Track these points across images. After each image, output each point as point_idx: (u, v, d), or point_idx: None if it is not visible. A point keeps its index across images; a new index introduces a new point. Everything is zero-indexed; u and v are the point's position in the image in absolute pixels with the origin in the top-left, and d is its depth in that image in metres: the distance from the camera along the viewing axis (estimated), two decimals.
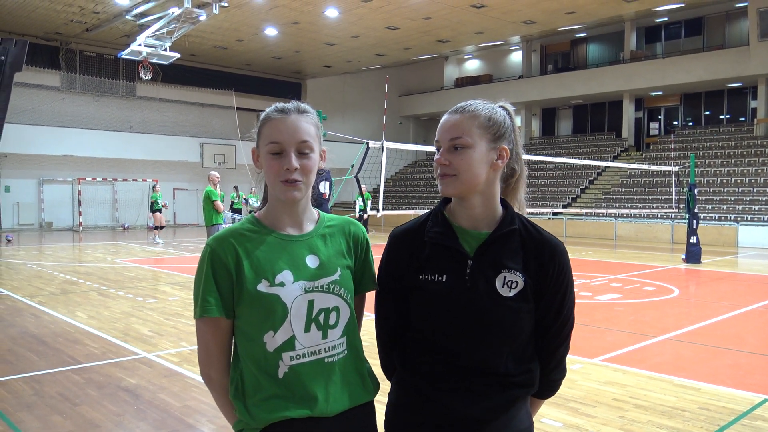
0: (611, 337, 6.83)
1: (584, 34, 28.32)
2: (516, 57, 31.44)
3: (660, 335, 6.91)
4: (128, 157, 25.27)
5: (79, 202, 24.62)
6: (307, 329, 1.63)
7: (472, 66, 33.57)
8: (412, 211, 18.37)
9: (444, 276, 1.62)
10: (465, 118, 1.64)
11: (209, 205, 10.89)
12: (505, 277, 1.60)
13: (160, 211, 19.05)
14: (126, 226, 25.75)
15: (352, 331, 1.73)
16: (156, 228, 19.15)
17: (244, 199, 22.53)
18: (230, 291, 1.62)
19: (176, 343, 6.39)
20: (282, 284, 1.62)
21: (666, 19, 26.08)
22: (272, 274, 1.62)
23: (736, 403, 4.64)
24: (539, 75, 29.61)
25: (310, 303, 1.63)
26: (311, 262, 1.68)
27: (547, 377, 1.73)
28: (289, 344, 1.61)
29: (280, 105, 1.70)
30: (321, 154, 1.71)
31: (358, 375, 1.71)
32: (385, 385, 1.78)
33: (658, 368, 5.57)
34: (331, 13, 20.68)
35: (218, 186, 11.36)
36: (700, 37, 25.77)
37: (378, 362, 1.85)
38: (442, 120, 1.68)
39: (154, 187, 19.99)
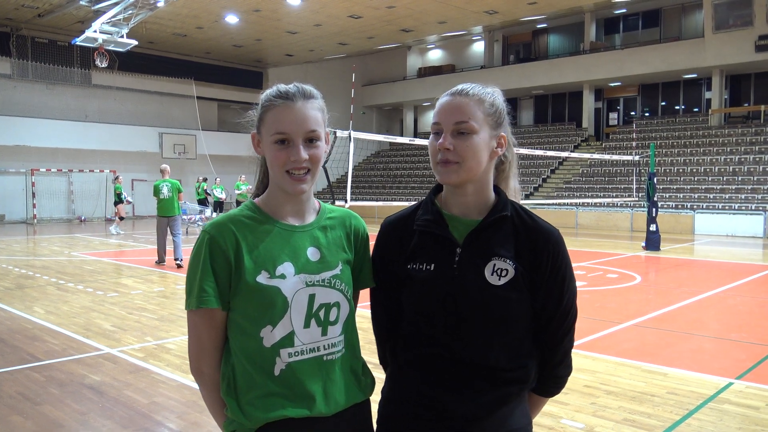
0: (578, 324, 6.82)
1: (545, 25, 28.61)
2: (478, 47, 31.59)
3: (625, 321, 7.03)
4: (84, 147, 24.55)
5: (33, 194, 23.80)
6: (307, 325, 1.55)
7: (435, 56, 33.61)
8: (377, 203, 18.32)
9: (432, 265, 1.57)
10: (471, 102, 1.56)
11: (176, 195, 11.49)
12: (495, 264, 1.54)
13: (122, 202, 18.71)
14: (83, 218, 25.05)
15: (351, 328, 1.66)
16: (119, 219, 19.12)
17: (205, 190, 22.18)
18: (228, 281, 1.53)
19: (140, 338, 6.21)
20: (283, 276, 1.53)
21: (624, 10, 26.52)
22: (273, 265, 1.54)
23: (704, 387, 4.74)
24: (501, 65, 29.82)
25: (311, 297, 1.55)
26: (312, 254, 1.60)
27: (552, 373, 1.67)
28: (288, 340, 1.53)
29: (283, 88, 1.58)
30: (326, 137, 1.62)
31: (354, 373, 1.65)
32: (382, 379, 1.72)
33: (625, 354, 5.66)
34: (294, 0, 20.40)
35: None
36: (657, 29, 26.28)
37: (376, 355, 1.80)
38: (442, 101, 1.59)
39: (116, 178, 19.54)
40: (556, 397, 4.40)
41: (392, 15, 22.53)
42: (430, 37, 28.72)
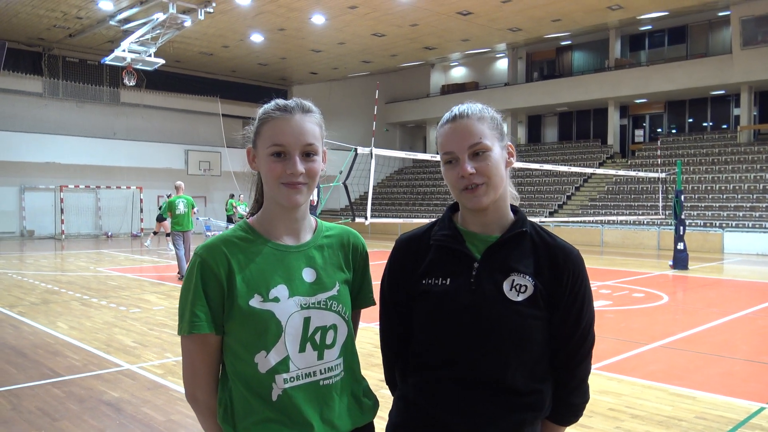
0: (603, 344, 6.75)
1: (569, 42, 28.49)
2: (502, 64, 31.54)
3: (652, 342, 6.85)
4: (112, 164, 24.96)
5: (62, 210, 24.23)
6: (302, 349, 1.50)
7: (458, 73, 33.64)
8: (399, 220, 18.30)
9: (448, 279, 1.53)
10: (475, 121, 1.53)
11: (190, 211, 12.05)
12: (514, 280, 1.50)
13: (165, 219, 19.10)
14: (109, 234, 25.40)
15: (350, 351, 1.60)
16: (154, 233, 19.79)
17: (235, 207, 22.33)
18: (221, 305, 1.48)
19: (160, 354, 6.22)
20: (276, 300, 1.48)
21: (650, 27, 26.31)
22: (266, 288, 1.49)
23: (733, 411, 4.57)
24: (525, 82, 29.71)
25: (306, 320, 1.50)
26: (308, 275, 1.55)
27: (567, 400, 1.61)
28: (283, 365, 1.48)
29: (281, 102, 1.55)
30: (323, 155, 1.58)
31: (355, 397, 1.59)
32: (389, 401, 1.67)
33: (652, 376, 5.50)
34: (318, 19, 20.61)
35: None
36: (683, 45, 26.01)
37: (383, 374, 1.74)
38: (446, 130, 1.56)
39: (169, 196, 19.88)
40: (580, 420, 4.29)
41: (415, 33, 22.63)
42: (453, 54, 28.77)
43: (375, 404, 1.65)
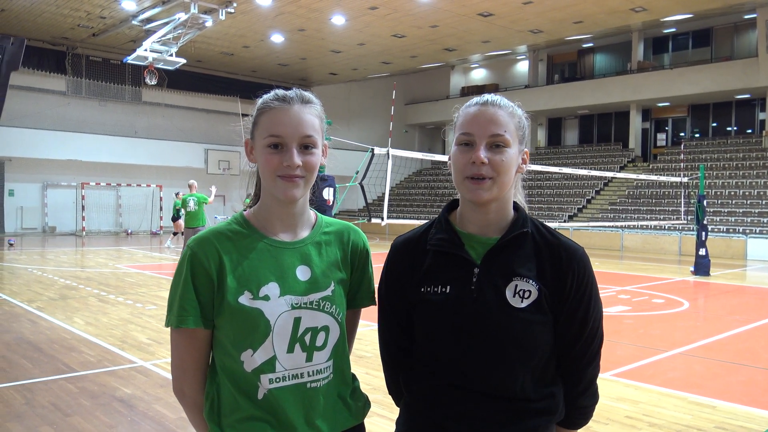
0: (621, 350, 6.64)
1: (591, 44, 28.22)
2: (522, 66, 31.35)
3: (671, 349, 6.72)
4: (133, 162, 25.21)
5: (83, 207, 24.55)
6: (291, 350, 1.44)
7: (479, 75, 33.50)
8: (416, 221, 18.24)
9: (448, 287, 1.46)
10: (506, 114, 1.47)
11: (202, 208, 12.86)
12: (517, 285, 1.43)
13: (180, 218, 19.20)
14: (129, 231, 25.65)
15: (341, 354, 1.54)
16: (174, 234, 19.92)
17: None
18: (210, 299, 1.44)
19: None
20: (266, 298, 1.43)
21: (674, 29, 25.97)
22: (257, 285, 1.44)
23: (754, 422, 4.45)
24: (546, 85, 29.49)
25: (297, 321, 1.45)
26: (302, 274, 1.49)
27: (576, 403, 1.54)
28: (269, 365, 1.43)
29: (281, 92, 1.50)
30: (323, 149, 1.52)
31: (342, 399, 1.54)
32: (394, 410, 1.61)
33: (670, 384, 5.38)
34: (338, 20, 20.62)
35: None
36: (708, 48, 25.63)
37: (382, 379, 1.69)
38: (474, 111, 1.48)
39: (177, 194, 20.07)
40: (595, 427, 4.21)
41: (436, 34, 22.55)
42: (473, 56, 28.63)
43: (365, 405, 1.60)
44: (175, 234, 20.08)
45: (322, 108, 1.54)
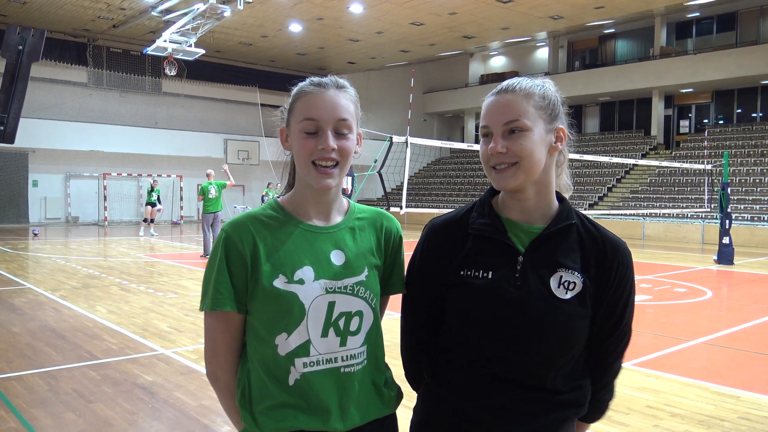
0: (643, 340, 6.56)
1: (613, 30, 27.79)
2: (542, 53, 30.99)
3: (694, 339, 6.64)
4: (153, 153, 25.42)
5: (105, 197, 24.84)
6: (325, 334, 1.45)
7: (498, 63, 33.19)
8: (436, 210, 18.19)
9: (490, 272, 1.43)
10: (519, 98, 1.43)
11: (221, 193, 13.39)
12: (561, 276, 1.41)
13: (154, 204, 19.69)
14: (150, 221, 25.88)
15: (375, 339, 1.54)
16: (145, 221, 19.96)
17: (262, 196, 22.74)
18: (244, 283, 1.45)
19: (195, 340, 6.28)
20: (301, 281, 1.44)
21: (697, 14, 25.46)
22: (291, 269, 1.44)
23: None
24: (566, 72, 29.13)
25: (331, 305, 1.45)
26: (336, 258, 1.49)
27: (596, 396, 1.52)
28: (304, 349, 1.44)
29: (316, 78, 1.50)
30: (357, 138, 1.52)
31: (376, 387, 1.53)
32: (411, 397, 1.60)
33: (693, 374, 5.32)
34: (356, 8, 20.54)
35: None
36: (733, 33, 25.11)
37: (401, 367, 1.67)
38: (488, 102, 1.47)
39: (154, 182, 20.36)
40: (616, 417, 4.17)
41: (454, 22, 22.36)
42: (492, 43, 28.37)
43: (398, 395, 1.59)
44: (145, 221, 20.00)
45: (357, 95, 1.54)
